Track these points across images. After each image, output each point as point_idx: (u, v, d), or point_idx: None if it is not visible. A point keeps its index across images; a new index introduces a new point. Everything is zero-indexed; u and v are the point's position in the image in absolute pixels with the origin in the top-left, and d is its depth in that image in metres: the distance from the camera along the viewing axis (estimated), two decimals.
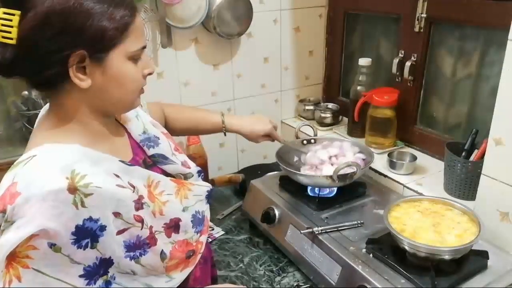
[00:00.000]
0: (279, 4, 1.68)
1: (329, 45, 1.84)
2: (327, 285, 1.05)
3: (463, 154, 1.20)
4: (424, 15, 1.38)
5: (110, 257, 0.69)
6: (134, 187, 0.73)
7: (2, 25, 0.63)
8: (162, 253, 0.77)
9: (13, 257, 0.61)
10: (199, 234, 0.87)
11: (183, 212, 0.84)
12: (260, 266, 1.22)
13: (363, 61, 1.54)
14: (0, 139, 1.50)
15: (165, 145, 0.89)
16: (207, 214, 0.91)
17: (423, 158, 1.44)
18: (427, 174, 1.36)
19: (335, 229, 1.13)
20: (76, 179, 0.64)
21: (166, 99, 1.56)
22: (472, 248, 0.96)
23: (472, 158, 1.19)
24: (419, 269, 0.95)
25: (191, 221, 0.85)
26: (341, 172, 1.17)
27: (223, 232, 1.39)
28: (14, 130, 1.51)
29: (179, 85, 1.59)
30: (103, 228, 0.67)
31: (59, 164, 0.65)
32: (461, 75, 1.38)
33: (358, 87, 1.57)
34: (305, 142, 1.45)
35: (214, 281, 1.03)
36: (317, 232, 1.11)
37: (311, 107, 1.82)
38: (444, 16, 1.34)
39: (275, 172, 1.47)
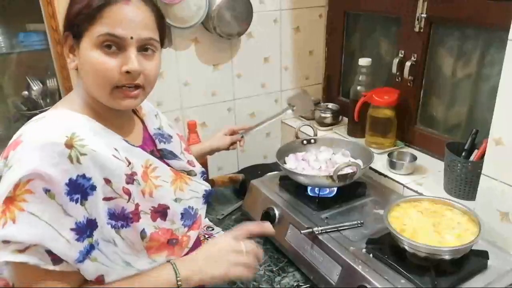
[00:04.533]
0: (279, 4, 1.68)
1: (329, 45, 1.84)
2: (327, 285, 1.05)
3: (463, 154, 1.20)
4: (424, 15, 1.38)
5: (95, 219, 0.70)
6: (130, 163, 0.76)
7: None
8: (142, 231, 0.77)
9: (10, 201, 0.64)
10: (187, 228, 0.87)
11: (175, 202, 0.84)
12: (260, 266, 1.22)
13: (363, 61, 1.54)
14: (0, 139, 1.50)
15: (176, 145, 0.94)
16: (202, 214, 0.91)
17: (423, 158, 1.44)
18: (427, 174, 1.36)
19: (335, 229, 1.12)
20: (75, 139, 0.68)
21: (166, 99, 1.56)
22: (472, 248, 0.96)
23: (472, 158, 1.19)
24: (419, 269, 0.95)
25: (181, 213, 0.85)
26: (341, 172, 1.17)
27: (223, 232, 1.39)
28: (14, 130, 1.51)
29: (179, 85, 1.59)
30: (93, 187, 0.69)
31: (63, 125, 0.70)
32: (461, 75, 1.38)
33: (358, 87, 1.57)
34: (305, 142, 1.45)
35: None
36: (317, 232, 1.11)
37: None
38: (444, 16, 1.34)
39: (275, 172, 1.47)
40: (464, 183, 1.19)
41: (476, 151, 1.18)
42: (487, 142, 1.04)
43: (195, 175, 0.95)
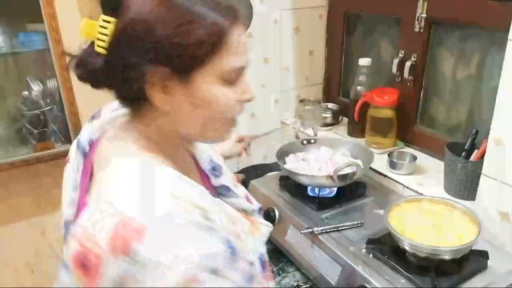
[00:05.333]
0: (279, 4, 1.68)
1: (329, 45, 1.84)
2: (327, 285, 1.05)
3: (463, 154, 1.20)
4: (424, 15, 1.37)
5: None
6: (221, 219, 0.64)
7: (99, 33, 0.57)
8: None
9: None
10: (266, 281, 0.75)
11: (254, 254, 0.72)
12: None
13: (363, 61, 1.54)
14: (0, 139, 1.50)
15: (228, 175, 0.78)
16: (267, 258, 0.79)
17: (423, 158, 1.44)
18: (427, 174, 1.36)
19: (335, 229, 1.12)
20: (194, 202, 0.56)
21: None
22: (472, 248, 0.96)
23: (472, 158, 1.18)
24: (419, 269, 0.95)
25: (260, 264, 0.73)
26: (341, 172, 1.17)
27: None
28: (14, 130, 1.52)
29: None
30: (233, 248, 0.57)
31: (169, 185, 0.57)
32: (461, 75, 1.38)
33: (358, 87, 1.57)
34: (305, 142, 1.45)
35: None
36: (317, 232, 1.11)
37: (311, 107, 1.82)
38: (444, 16, 1.34)
39: (275, 172, 1.47)
40: (464, 183, 1.18)
41: (476, 151, 1.18)
42: (487, 142, 1.04)
43: (253, 213, 0.80)
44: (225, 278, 0.53)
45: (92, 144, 0.69)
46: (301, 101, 1.87)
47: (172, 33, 0.55)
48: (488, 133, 1.03)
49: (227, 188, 0.75)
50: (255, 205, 0.81)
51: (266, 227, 0.80)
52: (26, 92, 1.46)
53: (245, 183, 1.57)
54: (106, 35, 0.56)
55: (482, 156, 1.11)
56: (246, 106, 0.66)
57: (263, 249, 0.77)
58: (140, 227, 0.50)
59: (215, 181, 0.75)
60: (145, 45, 0.55)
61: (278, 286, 1.14)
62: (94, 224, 0.53)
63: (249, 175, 1.60)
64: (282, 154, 1.38)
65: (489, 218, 1.05)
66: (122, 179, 0.57)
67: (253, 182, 1.41)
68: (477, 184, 1.10)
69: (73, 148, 0.71)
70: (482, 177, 1.07)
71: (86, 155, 0.68)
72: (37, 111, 1.48)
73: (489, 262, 0.99)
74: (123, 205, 0.53)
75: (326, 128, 1.74)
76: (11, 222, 1.59)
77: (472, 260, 0.98)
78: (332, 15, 1.78)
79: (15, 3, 1.39)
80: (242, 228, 0.71)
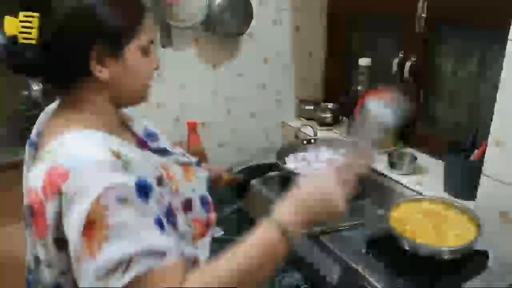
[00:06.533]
0: (279, 4, 1.68)
1: (329, 45, 1.84)
2: (327, 286, 1.05)
3: (463, 154, 1.20)
4: (424, 15, 1.38)
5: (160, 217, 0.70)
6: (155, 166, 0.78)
7: (23, 27, 0.68)
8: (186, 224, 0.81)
9: (90, 225, 0.62)
10: (207, 212, 0.90)
11: (193, 192, 0.87)
12: None
13: (363, 61, 1.54)
14: (1, 139, 1.50)
15: (164, 139, 0.94)
16: (210, 199, 0.93)
17: (423, 158, 1.44)
18: (427, 174, 1.36)
19: (335, 229, 1.12)
20: (115, 150, 0.68)
21: (166, 99, 1.56)
22: (472, 248, 0.96)
23: (472, 158, 1.18)
24: (419, 269, 0.95)
25: (200, 201, 0.88)
26: None
27: (223, 232, 1.38)
28: (15, 130, 1.52)
29: (179, 85, 1.59)
30: (151, 188, 0.69)
31: (95, 142, 0.69)
32: (461, 75, 1.38)
33: (358, 87, 1.57)
34: (305, 142, 1.45)
35: None
36: (317, 232, 1.11)
37: (311, 107, 1.82)
38: (444, 16, 1.34)
39: (275, 172, 1.47)
40: (464, 183, 1.18)
41: (476, 151, 1.18)
42: (487, 142, 1.04)
43: (192, 165, 0.96)
44: (131, 207, 0.63)
45: (40, 134, 0.81)
46: (301, 101, 1.87)
47: (112, 15, 0.71)
48: (488, 133, 1.03)
49: (164, 150, 0.91)
50: (192, 159, 0.98)
51: (202, 173, 0.96)
52: (26, 92, 1.46)
53: (244, 183, 1.57)
54: (31, 27, 0.68)
55: (482, 156, 1.11)
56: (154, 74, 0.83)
57: (204, 192, 0.91)
58: (65, 171, 0.63)
59: (153, 145, 0.89)
60: (87, 29, 0.70)
61: (278, 286, 1.14)
62: (36, 179, 0.66)
63: (249, 175, 1.60)
64: (282, 154, 1.38)
65: (489, 218, 1.05)
66: (56, 149, 0.68)
67: (253, 182, 1.41)
68: (477, 184, 1.10)
69: (26, 150, 0.84)
70: (482, 177, 1.07)
71: (37, 145, 0.79)
72: (37, 111, 1.48)
73: (489, 262, 0.99)
74: (54, 161, 0.66)
75: (326, 128, 1.74)
76: (11, 222, 1.59)
77: (472, 260, 0.98)
78: (332, 15, 1.78)
79: (15, 3, 1.39)
80: (176, 173, 0.83)
